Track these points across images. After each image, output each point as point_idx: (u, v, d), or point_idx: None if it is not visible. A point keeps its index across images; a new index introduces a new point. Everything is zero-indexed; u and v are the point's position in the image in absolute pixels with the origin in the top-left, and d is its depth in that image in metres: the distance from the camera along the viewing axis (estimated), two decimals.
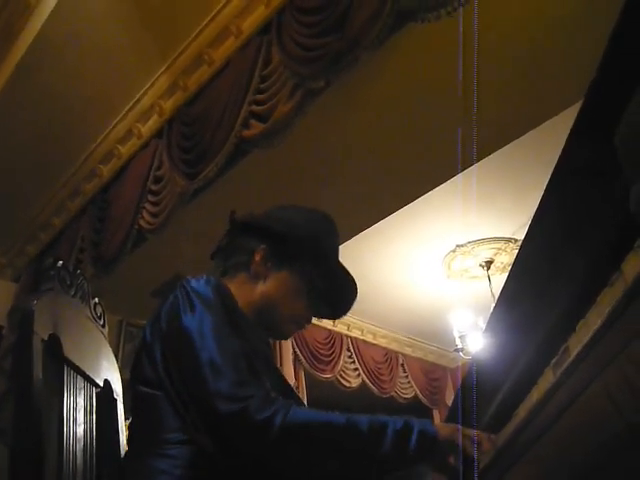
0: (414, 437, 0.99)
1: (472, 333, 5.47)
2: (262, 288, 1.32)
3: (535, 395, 0.73)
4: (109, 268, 3.65)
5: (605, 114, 0.59)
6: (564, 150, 0.73)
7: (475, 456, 0.93)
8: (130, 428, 1.22)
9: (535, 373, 0.82)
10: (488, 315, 1.17)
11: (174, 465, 1.04)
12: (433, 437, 0.99)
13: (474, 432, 0.99)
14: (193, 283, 1.19)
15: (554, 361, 0.70)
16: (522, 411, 0.79)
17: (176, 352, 1.12)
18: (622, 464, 0.47)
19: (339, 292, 1.41)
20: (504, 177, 4.35)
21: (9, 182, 4.06)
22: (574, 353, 0.57)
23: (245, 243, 1.35)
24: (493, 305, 1.08)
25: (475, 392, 1.17)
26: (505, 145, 3.42)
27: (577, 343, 0.58)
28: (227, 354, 1.06)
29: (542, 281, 0.91)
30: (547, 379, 0.69)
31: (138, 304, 4.61)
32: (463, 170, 3.62)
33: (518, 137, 3.36)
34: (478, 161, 3.49)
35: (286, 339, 1.40)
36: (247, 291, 1.30)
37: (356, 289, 1.42)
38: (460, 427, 1.01)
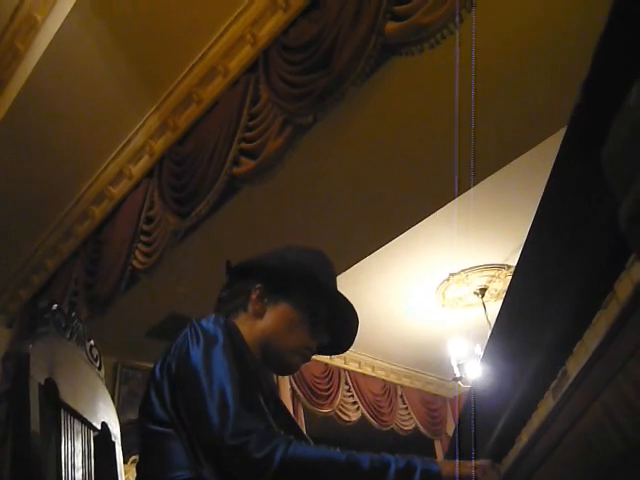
0: (417, 477, 0.98)
1: (470, 361, 5.44)
2: (262, 324, 1.34)
3: (536, 420, 0.73)
4: (103, 309, 3.63)
5: (591, 134, 0.60)
6: (552, 173, 0.74)
7: None
8: (138, 467, 1.22)
9: (535, 398, 0.82)
10: (485, 343, 1.17)
11: None
12: (437, 476, 0.99)
13: (474, 463, 0.98)
14: (202, 322, 1.22)
15: (553, 385, 0.70)
16: (524, 436, 0.79)
17: (184, 389, 1.15)
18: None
19: (341, 319, 1.42)
20: (495, 204, 4.39)
21: (0, 224, 4.06)
22: (572, 376, 0.57)
23: (242, 286, 1.39)
24: (489, 333, 1.09)
25: (475, 421, 1.17)
26: (495, 172, 3.45)
27: (575, 365, 0.58)
28: (233, 389, 1.08)
29: (536, 306, 0.92)
30: (547, 403, 0.69)
31: (133, 345, 4.59)
32: (454, 199, 3.66)
33: (506, 164, 3.40)
34: (467, 190, 3.54)
35: (293, 372, 1.40)
36: (248, 329, 1.32)
37: (357, 317, 1.43)
38: (458, 462, 1.00)
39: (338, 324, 1.42)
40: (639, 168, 0.39)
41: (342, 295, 1.40)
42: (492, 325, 1.11)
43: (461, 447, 1.05)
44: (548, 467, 0.62)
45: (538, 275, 0.88)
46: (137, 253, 3.45)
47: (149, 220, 3.44)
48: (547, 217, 0.78)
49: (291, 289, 1.37)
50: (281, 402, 1.37)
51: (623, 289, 0.50)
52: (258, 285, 1.36)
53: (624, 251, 0.53)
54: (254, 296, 1.36)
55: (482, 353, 1.18)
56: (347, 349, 1.50)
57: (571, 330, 0.69)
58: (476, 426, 1.14)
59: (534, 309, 0.92)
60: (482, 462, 0.97)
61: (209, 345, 1.16)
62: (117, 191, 3.84)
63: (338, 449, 1.04)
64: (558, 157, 0.74)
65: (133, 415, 4.03)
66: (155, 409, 1.17)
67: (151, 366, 1.29)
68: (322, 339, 1.40)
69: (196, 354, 1.14)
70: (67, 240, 4.28)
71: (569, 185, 0.74)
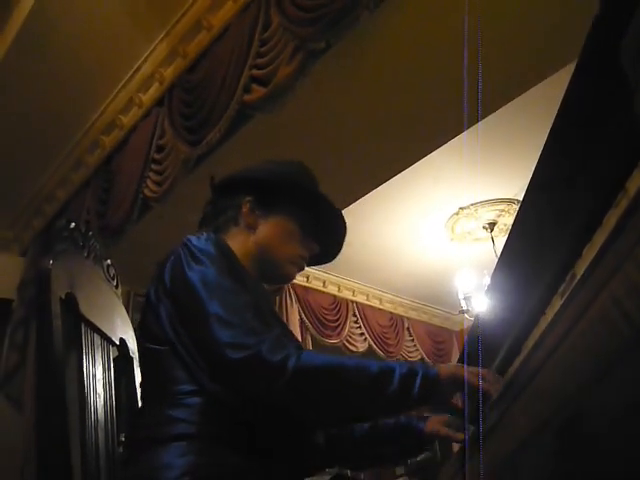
0: (418, 380, 1.02)
1: (477, 295, 5.50)
2: (255, 237, 1.35)
3: (543, 323, 0.75)
4: (116, 238, 3.68)
5: (608, 47, 0.59)
6: (569, 86, 0.74)
7: (481, 387, 0.97)
8: (142, 385, 1.26)
9: (542, 309, 0.85)
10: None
11: (191, 413, 1.07)
12: (435, 378, 1.03)
13: (478, 369, 1.03)
14: (194, 240, 1.21)
15: (561, 289, 0.72)
16: (530, 342, 0.82)
17: (182, 306, 1.15)
18: (629, 368, 0.50)
19: (329, 227, 1.44)
20: (506, 138, 4.34)
21: (12, 156, 4.06)
22: (580, 273, 0.59)
23: (230, 200, 1.38)
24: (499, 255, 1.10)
25: (481, 342, 1.20)
26: (506, 104, 3.40)
27: (583, 265, 0.60)
28: (233, 305, 1.09)
29: (546, 223, 0.93)
30: (554, 306, 0.72)
31: (146, 275, 4.64)
32: (466, 130, 3.62)
33: (519, 95, 3.35)
34: (480, 120, 3.50)
35: (289, 282, 1.43)
36: (241, 243, 1.33)
37: (345, 223, 1.45)
38: (464, 365, 1.05)
39: (326, 232, 1.44)
40: None
41: (328, 201, 1.41)
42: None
43: (465, 361, 1.09)
44: (553, 365, 0.65)
45: (548, 196, 0.89)
46: (148, 182, 3.46)
47: (160, 149, 3.43)
48: (559, 136, 0.78)
49: (281, 200, 1.37)
50: (278, 315, 1.41)
51: (634, 184, 0.51)
52: (248, 198, 1.36)
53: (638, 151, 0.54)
54: (245, 209, 1.35)
55: (491, 277, 1.20)
56: (334, 257, 1.52)
57: (580, 242, 0.71)
58: (483, 344, 1.18)
59: (543, 227, 0.94)
60: (484, 369, 1.01)
61: (205, 263, 1.15)
62: (127, 120, 3.82)
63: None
64: (573, 75, 0.74)
65: None
66: (152, 329, 1.17)
67: None
68: (312, 248, 1.42)
69: (193, 273, 1.14)
70: (78, 170, 4.30)
71: (585, 100, 0.74)
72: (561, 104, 0.75)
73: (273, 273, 1.38)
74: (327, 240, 1.45)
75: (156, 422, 1.10)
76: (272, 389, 1.01)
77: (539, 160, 0.81)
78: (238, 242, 1.32)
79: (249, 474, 1.04)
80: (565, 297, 0.64)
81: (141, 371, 1.26)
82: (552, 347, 0.62)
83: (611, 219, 0.56)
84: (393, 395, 1.02)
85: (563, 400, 0.64)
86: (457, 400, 1.13)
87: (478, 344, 1.19)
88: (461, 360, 1.15)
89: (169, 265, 1.20)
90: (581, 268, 0.62)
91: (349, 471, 1.81)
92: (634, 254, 0.44)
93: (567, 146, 0.77)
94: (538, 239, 0.94)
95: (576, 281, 0.60)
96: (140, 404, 1.29)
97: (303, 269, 1.43)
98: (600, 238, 0.57)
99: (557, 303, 0.72)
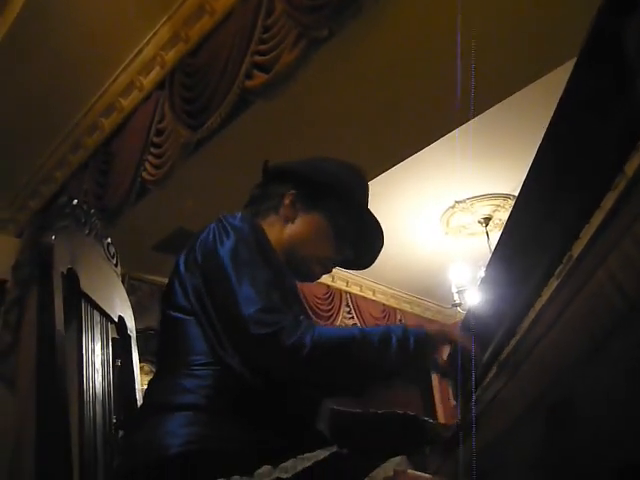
0: (412, 339, 1.13)
1: (470, 289, 5.53)
2: (290, 229, 1.38)
3: (538, 304, 0.77)
4: (113, 220, 3.68)
5: (612, 34, 0.60)
6: (570, 76, 0.75)
7: (473, 350, 1.03)
8: (157, 353, 1.28)
9: (536, 297, 0.86)
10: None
11: (200, 385, 1.10)
12: (425, 335, 1.16)
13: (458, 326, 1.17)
14: (229, 218, 1.25)
15: (558, 270, 0.74)
16: (525, 323, 0.84)
17: (210, 280, 1.18)
18: (623, 342, 0.52)
19: (367, 238, 1.46)
20: (503, 133, 4.36)
21: (10, 136, 4.05)
22: (577, 253, 0.61)
23: (275, 189, 1.41)
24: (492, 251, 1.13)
25: (475, 329, 1.22)
26: (505, 98, 3.42)
27: (580, 245, 0.62)
28: (259, 282, 1.13)
29: (544, 211, 0.94)
30: (551, 286, 0.73)
31: (141, 258, 4.65)
32: (462, 125, 3.64)
33: (518, 90, 3.36)
34: (476, 115, 3.51)
35: (312, 281, 1.46)
36: (276, 231, 1.36)
37: (383, 236, 1.47)
38: (445, 324, 1.14)
39: (363, 241, 1.46)
40: None
41: (372, 214, 1.43)
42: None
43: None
44: (549, 342, 0.67)
45: (547, 181, 0.90)
46: (147, 165, 3.47)
47: (159, 132, 3.44)
48: (562, 116, 0.79)
49: (325, 200, 1.39)
50: (301, 299, 1.43)
51: (632, 166, 0.53)
52: (292, 191, 1.39)
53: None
54: (287, 201, 1.38)
55: (486, 266, 1.22)
56: (367, 267, 1.55)
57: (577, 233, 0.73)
58: (477, 332, 1.20)
59: (541, 217, 0.95)
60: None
61: (237, 240, 1.19)
62: (127, 103, 3.82)
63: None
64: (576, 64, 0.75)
65: (140, 325, 4.14)
66: (178, 297, 1.21)
67: (159, 279, 1.34)
68: (345, 254, 1.44)
69: (224, 248, 1.18)
70: (76, 152, 4.29)
71: (587, 86, 0.75)
72: (564, 90, 0.77)
73: (298, 268, 1.40)
74: (362, 250, 1.49)
75: (166, 390, 1.13)
76: (292, 363, 1.08)
77: (540, 145, 0.83)
78: (273, 229, 1.35)
79: (250, 449, 1.05)
80: (561, 277, 0.66)
81: (159, 340, 1.27)
82: (548, 325, 0.64)
83: (609, 201, 0.57)
84: (394, 356, 1.12)
85: (557, 377, 0.66)
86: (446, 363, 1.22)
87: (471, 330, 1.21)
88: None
89: (202, 238, 1.24)
90: (578, 249, 0.64)
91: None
92: (631, 230, 0.46)
93: (567, 131, 0.78)
94: (536, 227, 0.95)
95: (573, 260, 0.62)
96: (155, 372, 1.31)
97: (329, 272, 1.46)
98: (598, 220, 0.59)
99: (553, 284, 0.74)
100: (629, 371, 0.60)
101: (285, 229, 1.37)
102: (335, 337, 1.14)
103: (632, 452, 0.79)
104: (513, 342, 0.91)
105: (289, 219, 1.38)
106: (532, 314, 0.81)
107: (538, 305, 0.79)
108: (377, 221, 1.44)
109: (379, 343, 1.12)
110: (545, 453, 0.92)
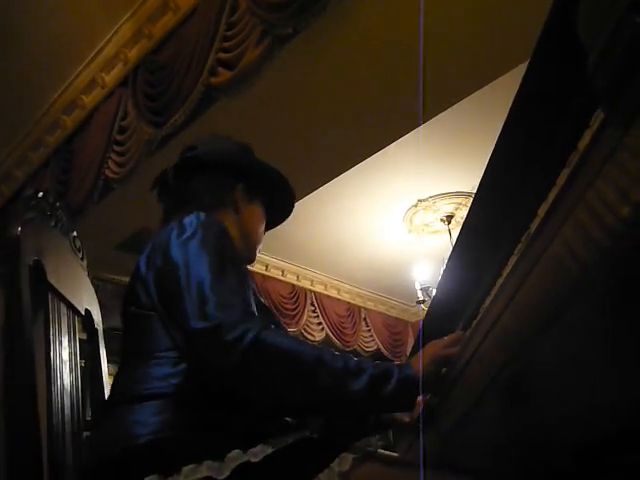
0: (393, 382, 0.99)
1: (433, 287, 5.60)
2: (240, 221, 1.42)
3: (500, 280, 0.81)
4: (76, 218, 3.63)
5: (566, 22, 0.63)
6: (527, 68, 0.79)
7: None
8: (122, 349, 1.26)
9: (498, 277, 0.90)
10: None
11: (168, 373, 1.09)
12: (412, 378, 1.00)
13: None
14: (188, 216, 1.24)
15: (518, 248, 0.78)
16: (487, 300, 0.87)
17: (164, 283, 1.17)
18: (580, 311, 0.55)
19: (284, 200, 1.57)
20: (465, 131, 4.44)
21: None
22: (534, 228, 0.65)
23: (217, 181, 1.43)
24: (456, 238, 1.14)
25: (441, 317, 1.25)
26: (465, 97, 3.49)
27: (538, 221, 0.66)
28: (211, 283, 1.09)
29: (504, 195, 0.97)
30: (510, 263, 0.77)
31: (104, 258, 4.60)
32: (424, 123, 3.70)
33: (478, 89, 3.43)
34: (438, 114, 3.58)
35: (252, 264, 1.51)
36: (230, 224, 1.37)
37: (294, 192, 1.56)
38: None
39: (283, 204, 1.58)
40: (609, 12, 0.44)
41: (278, 173, 1.50)
42: None
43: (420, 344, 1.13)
44: (508, 315, 0.70)
45: (506, 167, 0.93)
46: (110, 163, 3.44)
47: (123, 130, 3.42)
48: (520, 103, 0.83)
49: (262, 189, 1.47)
50: (259, 299, 1.43)
51: (584, 142, 0.57)
52: (241, 184, 1.43)
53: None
54: (237, 193, 1.42)
55: (449, 256, 1.25)
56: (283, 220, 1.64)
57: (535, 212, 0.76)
58: (443, 320, 1.23)
59: (499, 211, 0.98)
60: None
61: (189, 239, 1.17)
62: (89, 100, 3.78)
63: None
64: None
65: (104, 325, 4.08)
66: (140, 297, 1.20)
67: (121, 279, 1.33)
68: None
69: (176, 249, 1.16)
70: (37, 150, 4.23)
71: (544, 74, 0.78)
72: (522, 78, 0.80)
73: (248, 256, 1.46)
74: (282, 208, 1.59)
75: (134, 380, 1.11)
76: (224, 363, 1.01)
77: (501, 132, 0.86)
78: (229, 224, 1.35)
79: (221, 435, 1.05)
80: (520, 252, 0.69)
81: (123, 337, 1.27)
82: (508, 298, 0.67)
83: (563, 177, 0.61)
84: (358, 395, 0.98)
85: (516, 350, 0.69)
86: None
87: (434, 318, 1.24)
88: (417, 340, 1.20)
89: (160, 239, 1.23)
90: (536, 224, 0.67)
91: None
92: (584, 199, 0.49)
93: (524, 118, 0.82)
94: (497, 212, 0.98)
95: (530, 234, 0.66)
96: (120, 366, 1.30)
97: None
98: (552, 195, 0.63)
99: (512, 259, 0.78)
100: (585, 339, 0.64)
101: (237, 222, 1.41)
102: (282, 346, 1.02)
103: (587, 429, 0.83)
104: (475, 322, 0.94)
105: (237, 211, 1.42)
106: (494, 291, 0.85)
107: (499, 280, 0.83)
108: (292, 190, 1.54)
109: (339, 372, 0.99)
110: (504, 431, 0.95)
